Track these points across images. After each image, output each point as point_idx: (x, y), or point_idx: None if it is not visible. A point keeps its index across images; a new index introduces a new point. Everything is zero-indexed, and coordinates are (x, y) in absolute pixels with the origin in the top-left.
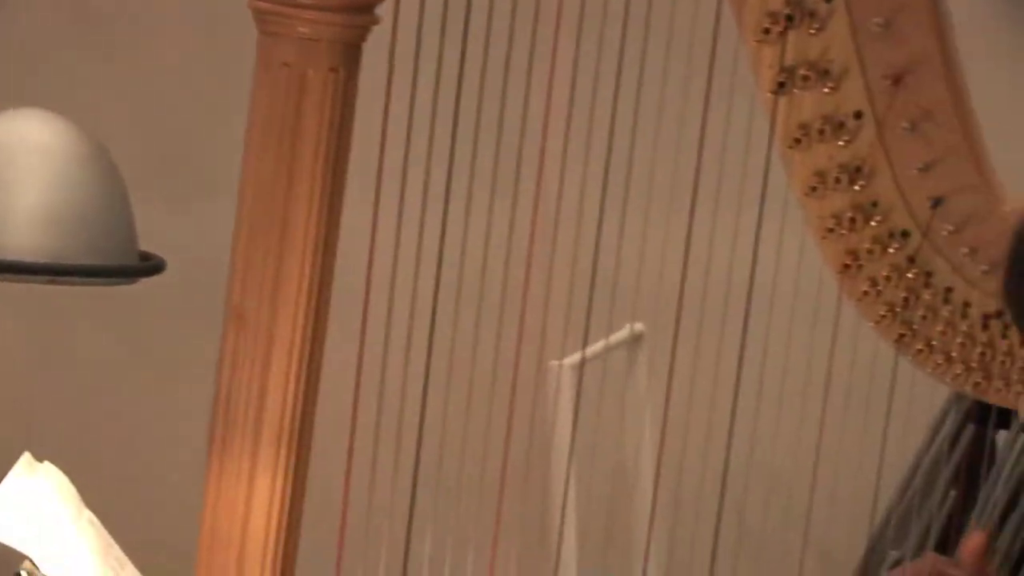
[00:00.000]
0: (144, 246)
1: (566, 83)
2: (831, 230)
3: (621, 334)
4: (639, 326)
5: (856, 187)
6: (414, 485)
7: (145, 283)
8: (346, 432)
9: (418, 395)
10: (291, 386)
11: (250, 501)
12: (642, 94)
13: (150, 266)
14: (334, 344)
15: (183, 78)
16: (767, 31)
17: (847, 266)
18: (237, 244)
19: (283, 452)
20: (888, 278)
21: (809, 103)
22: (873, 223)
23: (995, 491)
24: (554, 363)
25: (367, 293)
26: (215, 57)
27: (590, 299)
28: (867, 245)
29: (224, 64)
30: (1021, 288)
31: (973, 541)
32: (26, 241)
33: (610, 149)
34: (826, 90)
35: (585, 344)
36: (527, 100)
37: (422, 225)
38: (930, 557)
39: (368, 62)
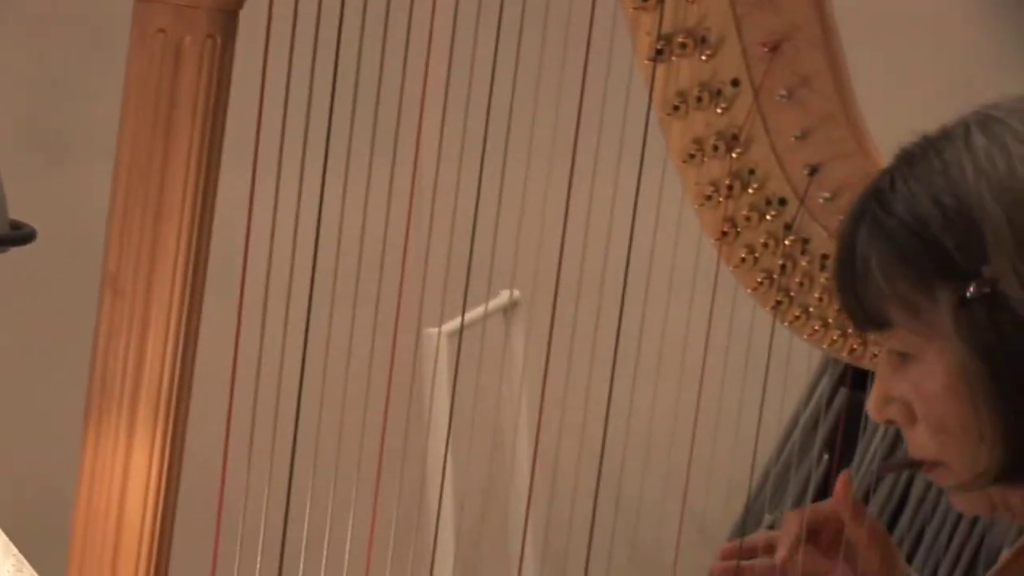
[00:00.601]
0: (15, 215)
1: (444, 48)
2: (709, 197)
3: (498, 301)
4: (516, 292)
5: (733, 154)
6: (292, 454)
7: (16, 252)
8: (224, 401)
9: (296, 364)
10: (168, 356)
11: (127, 472)
12: (520, 60)
13: (20, 235)
14: (211, 313)
15: (57, 42)
16: None
17: (725, 233)
18: (113, 212)
19: (160, 423)
20: (766, 245)
21: (687, 70)
22: (750, 190)
23: (868, 455)
24: (431, 330)
25: (244, 261)
26: (91, 21)
27: (468, 266)
28: (744, 212)
29: (100, 28)
30: (850, 290)
31: (841, 477)
32: None
33: (488, 114)
34: (704, 57)
35: (463, 311)
36: (405, 66)
37: (300, 193)
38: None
39: (245, 29)
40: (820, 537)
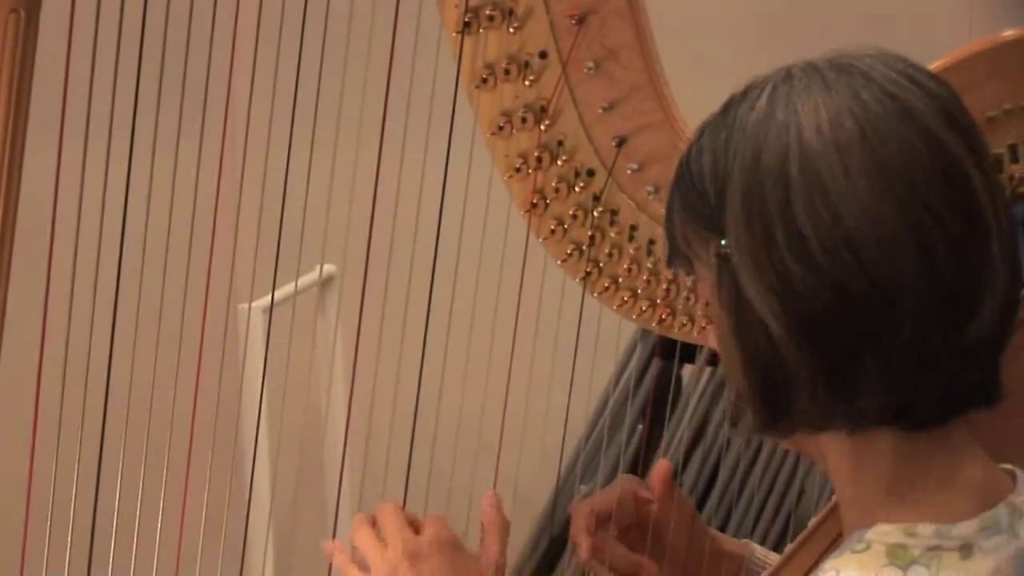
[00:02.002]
0: None
1: (252, 23)
2: (518, 169)
3: (311, 275)
4: (329, 267)
5: (542, 126)
6: (102, 433)
7: None
8: (32, 381)
9: (105, 342)
10: None
11: None
12: (328, 32)
13: None
14: (18, 290)
15: None
16: None
17: (534, 205)
18: None
19: None
20: (574, 216)
21: (494, 43)
22: (559, 162)
23: (681, 426)
24: (243, 306)
25: (52, 239)
26: None
27: (279, 240)
28: (553, 184)
29: None
30: (666, 222)
31: (660, 467)
32: None
33: (297, 88)
34: (511, 30)
35: (274, 286)
36: (212, 40)
37: (107, 169)
38: (624, 478)
39: (49, 2)
40: (617, 521)
